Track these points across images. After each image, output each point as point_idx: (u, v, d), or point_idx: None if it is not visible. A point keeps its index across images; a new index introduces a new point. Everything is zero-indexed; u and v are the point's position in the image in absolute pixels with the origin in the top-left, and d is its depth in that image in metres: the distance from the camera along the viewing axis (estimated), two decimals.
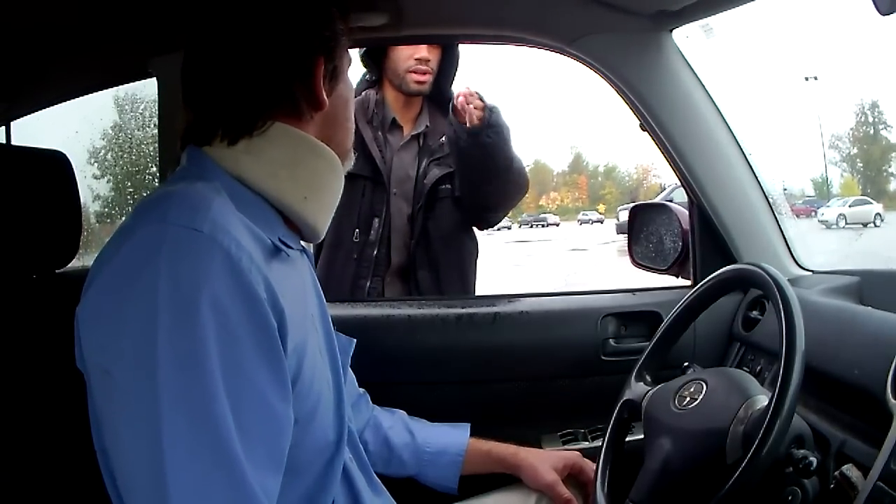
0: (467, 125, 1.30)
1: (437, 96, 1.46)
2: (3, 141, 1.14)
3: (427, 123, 1.44)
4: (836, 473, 0.64)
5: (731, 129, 1.09)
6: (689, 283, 1.15)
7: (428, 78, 1.39)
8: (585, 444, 1.06)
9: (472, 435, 0.90)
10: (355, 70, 1.47)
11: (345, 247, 1.37)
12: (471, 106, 1.29)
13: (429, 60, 1.37)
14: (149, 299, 0.48)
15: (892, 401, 0.63)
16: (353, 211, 1.36)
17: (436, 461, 0.87)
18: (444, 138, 1.42)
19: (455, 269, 1.42)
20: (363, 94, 1.43)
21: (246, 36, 0.60)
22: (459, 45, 1.43)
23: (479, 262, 1.49)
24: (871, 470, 0.59)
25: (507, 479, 0.88)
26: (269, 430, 0.52)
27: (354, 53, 1.34)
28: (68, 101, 1.16)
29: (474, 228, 1.48)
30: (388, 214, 1.38)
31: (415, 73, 1.37)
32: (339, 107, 0.66)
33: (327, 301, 0.74)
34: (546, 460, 0.86)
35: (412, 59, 1.36)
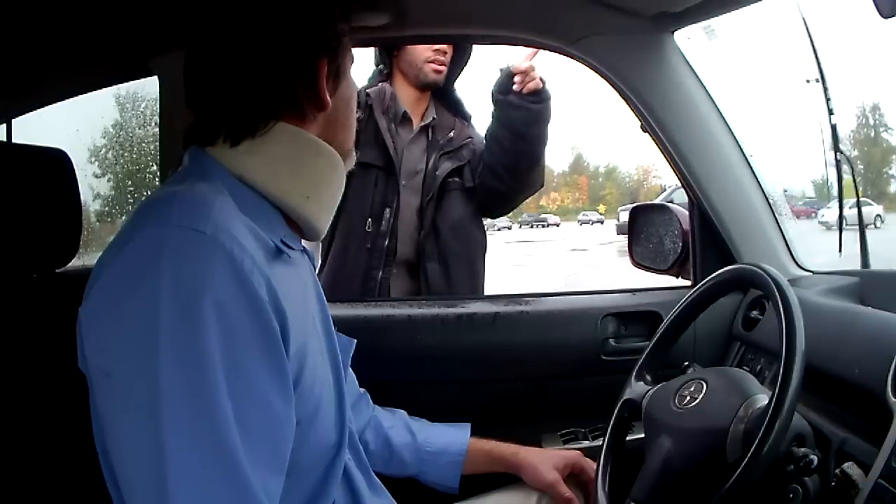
0: (523, 91, 1.33)
1: (443, 93, 1.48)
2: (4, 139, 1.14)
3: (434, 116, 1.46)
4: (837, 471, 0.64)
5: (731, 131, 1.09)
6: (689, 283, 1.15)
7: (445, 69, 1.43)
8: (586, 444, 1.06)
9: (472, 435, 0.89)
10: (368, 64, 1.52)
11: (357, 236, 1.37)
12: (532, 76, 1.32)
13: (447, 52, 1.42)
14: (151, 301, 0.48)
15: (893, 399, 0.63)
16: (366, 201, 1.37)
17: (436, 461, 0.87)
18: (452, 133, 1.45)
19: (464, 261, 1.43)
20: (379, 85, 1.46)
21: (247, 37, 0.60)
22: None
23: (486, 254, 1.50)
24: (872, 467, 0.59)
25: (508, 478, 0.88)
26: (272, 432, 0.52)
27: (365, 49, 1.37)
28: (69, 99, 1.16)
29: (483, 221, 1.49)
30: (398, 206, 1.39)
31: (433, 63, 1.41)
32: (341, 107, 0.66)
33: (328, 301, 0.74)
34: (547, 459, 0.86)
35: (431, 49, 1.40)
